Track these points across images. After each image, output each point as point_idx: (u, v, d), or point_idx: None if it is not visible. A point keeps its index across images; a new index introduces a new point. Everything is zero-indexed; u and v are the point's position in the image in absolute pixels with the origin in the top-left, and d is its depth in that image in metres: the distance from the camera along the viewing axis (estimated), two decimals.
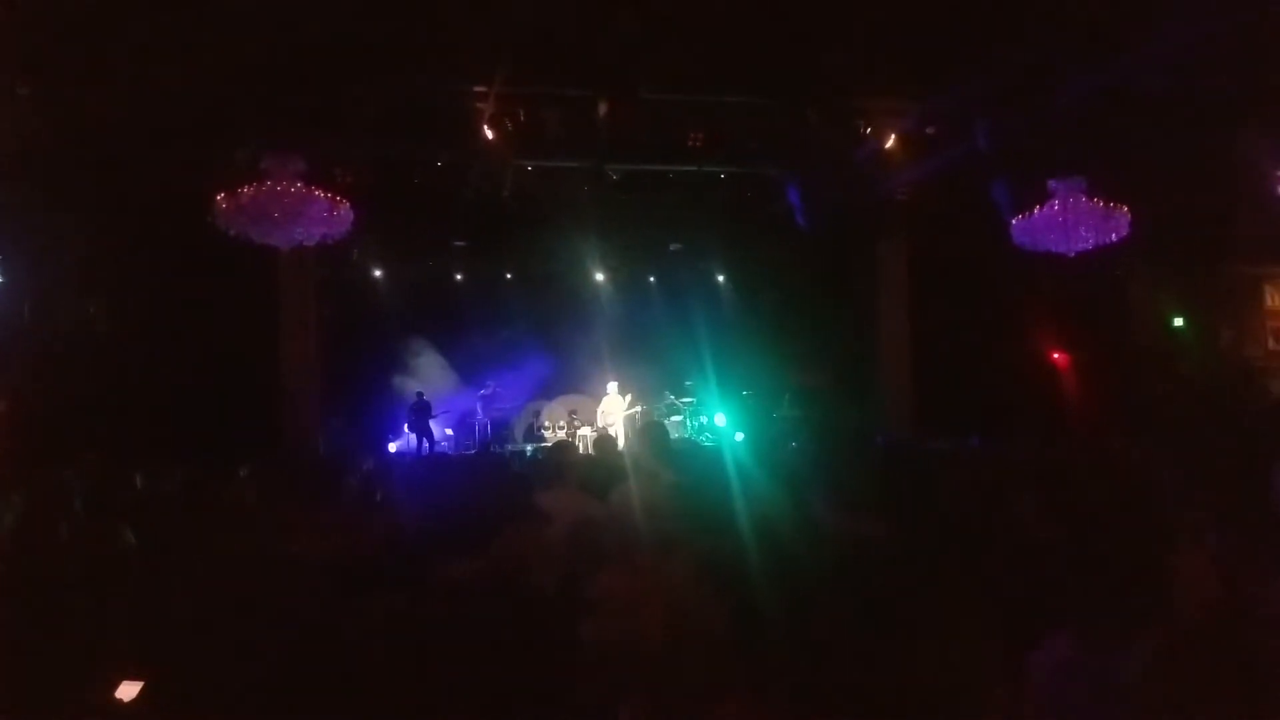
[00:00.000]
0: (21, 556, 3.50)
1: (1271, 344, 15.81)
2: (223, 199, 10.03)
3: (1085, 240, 11.08)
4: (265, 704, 2.45)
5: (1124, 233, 10.98)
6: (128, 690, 2.63)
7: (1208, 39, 8.33)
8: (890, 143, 11.24)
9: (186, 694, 2.55)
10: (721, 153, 11.90)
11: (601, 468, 5.02)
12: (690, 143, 11.27)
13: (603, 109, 10.43)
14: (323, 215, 10.45)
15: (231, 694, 2.48)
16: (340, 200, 10.51)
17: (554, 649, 2.70)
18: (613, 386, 14.95)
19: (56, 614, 3.08)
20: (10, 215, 11.03)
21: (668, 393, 15.42)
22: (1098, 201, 10.79)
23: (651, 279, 16.63)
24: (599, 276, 16.11)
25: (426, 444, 14.68)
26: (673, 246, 15.72)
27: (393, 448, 15.06)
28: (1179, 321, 14.20)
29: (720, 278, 16.59)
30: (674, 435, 14.53)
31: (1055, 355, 14.92)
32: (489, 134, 10.64)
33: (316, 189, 10.26)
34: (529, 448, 14.07)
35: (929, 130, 11.31)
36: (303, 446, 12.25)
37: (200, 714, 2.50)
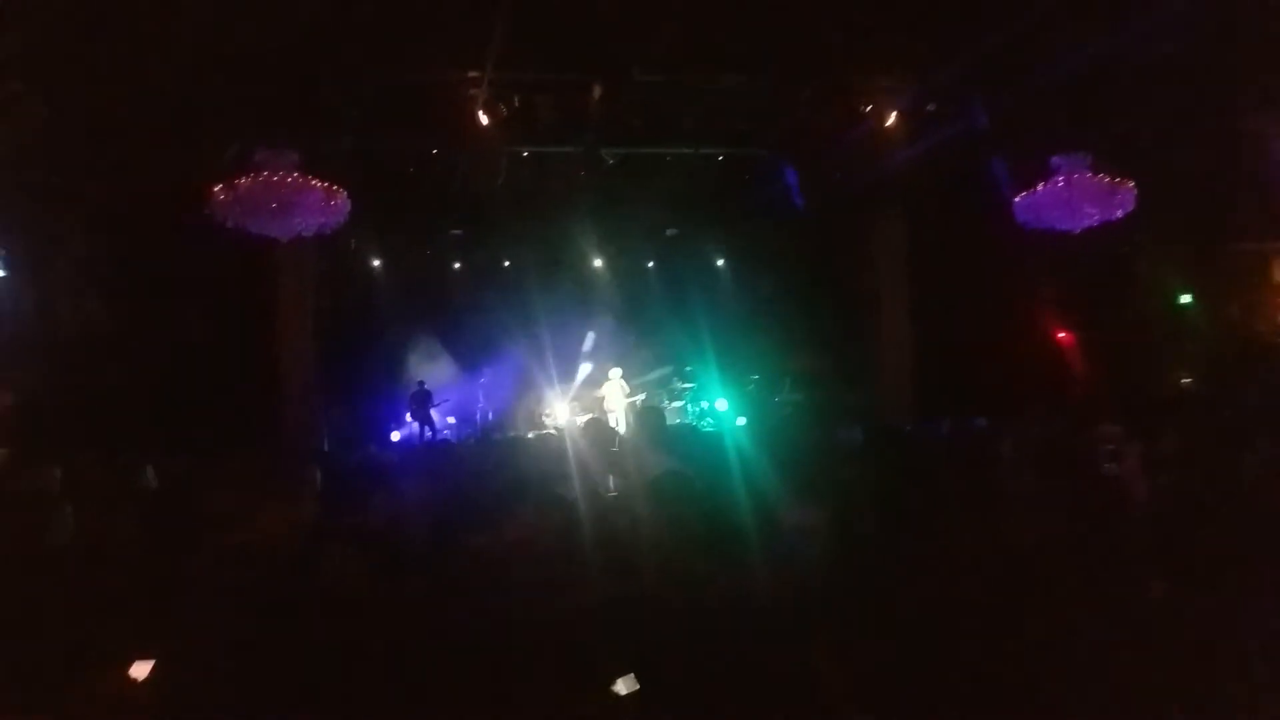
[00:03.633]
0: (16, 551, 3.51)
1: None
2: (219, 190, 9.95)
3: (1090, 217, 10.92)
4: (275, 683, 2.44)
5: (1129, 208, 10.82)
6: (140, 669, 2.60)
7: (1210, 6, 8.22)
8: (890, 121, 11.13)
9: (199, 678, 2.53)
10: (717, 135, 11.81)
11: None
12: (685, 125, 11.17)
13: (596, 93, 10.35)
14: (319, 205, 10.35)
15: (245, 676, 2.47)
16: (336, 190, 10.42)
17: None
18: (614, 373, 14.93)
19: (56, 606, 3.07)
20: (12, 211, 11.02)
21: (674, 378, 15.41)
22: (1103, 177, 10.66)
23: (650, 264, 16.56)
24: (597, 262, 16.04)
25: (429, 432, 14.71)
26: (670, 231, 15.63)
27: (395, 437, 15.08)
28: (1186, 298, 14.08)
29: (719, 261, 16.51)
30: (674, 421, 14.57)
31: (1060, 334, 14.85)
32: (483, 121, 10.56)
33: (312, 179, 10.19)
34: (530, 434, 14.07)
35: (929, 108, 11.21)
36: (304, 437, 12.24)
37: (212, 698, 2.49)
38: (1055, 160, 10.70)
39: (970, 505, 3.58)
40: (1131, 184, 10.66)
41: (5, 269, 11.72)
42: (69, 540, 3.79)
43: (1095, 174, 10.59)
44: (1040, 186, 10.82)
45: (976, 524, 3.31)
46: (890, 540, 2.63)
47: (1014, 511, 3.51)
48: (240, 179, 9.90)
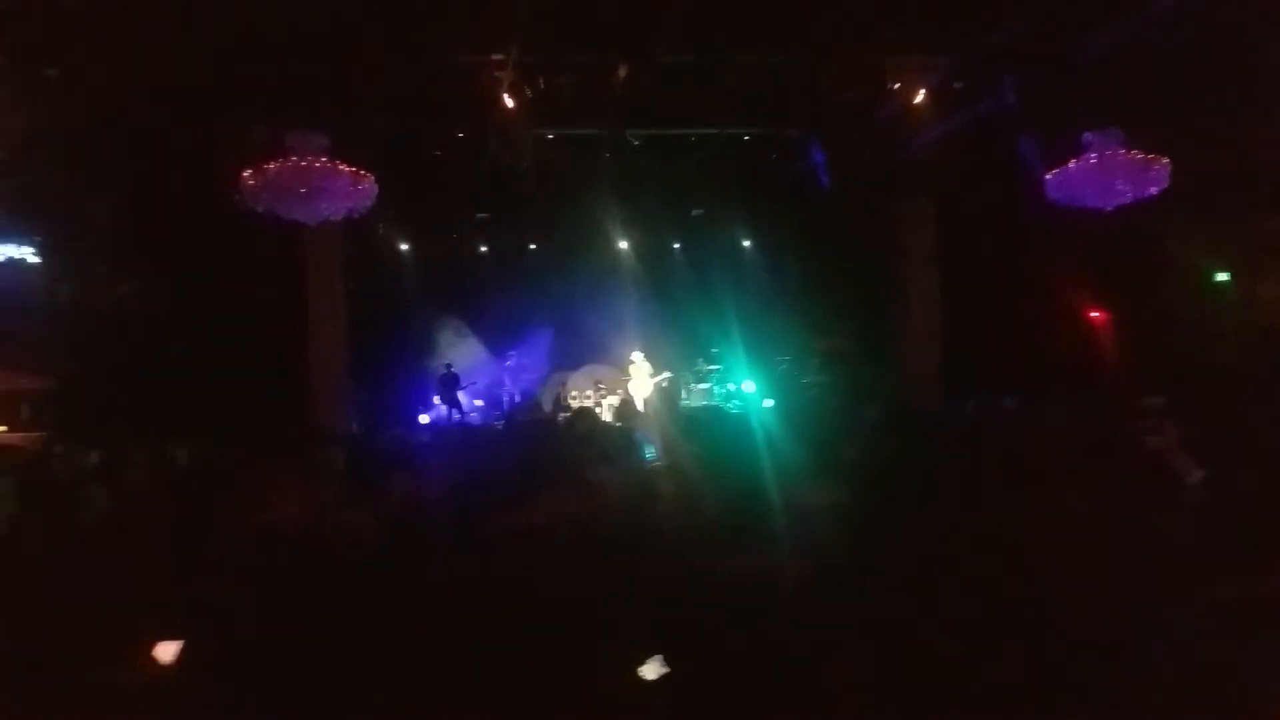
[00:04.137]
0: (38, 532, 3.57)
1: None
2: (249, 175, 10.06)
3: (1123, 194, 10.67)
4: (298, 665, 2.46)
5: (1163, 185, 10.56)
6: (166, 650, 2.62)
7: None
8: (918, 98, 10.98)
9: (223, 661, 2.55)
10: (743, 114, 11.72)
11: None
12: (710, 105, 11.09)
13: (621, 73, 10.29)
14: (347, 189, 10.44)
15: (268, 660, 2.49)
16: (364, 174, 10.49)
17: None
18: (638, 355, 14.93)
19: (77, 586, 3.11)
20: (45, 196, 11.21)
21: (700, 359, 15.40)
22: (1135, 153, 10.43)
23: (675, 245, 16.50)
24: (622, 244, 16.01)
25: (456, 414, 14.83)
26: (695, 211, 15.56)
27: (424, 419, 15.20)
28: (1222, 276, 13.79)
29: (745, 242, 16.41)
30: (701, 402, 14.57)
31: (1091, 314, 14.61)
32: (508, 103, 10.56)
33: (340, 163, 10.26)
34: (560, 417, 14.12)
35: (956, 85, 11.04)
36: (332, 420, 12.37)
37: (237, 680, 2.52)
38: (1087, 136, 10.47)
39: (999, 484, 3.53)
40: (1165, 160, 10.42)
41: (40, 255, 11.95)
42: (100, 521, 3.85)
43: (1128, 150, 10.38)
44: (1072, 163, 10.61)
45: (1007, 504, 3.27)
46: (911, 520, 2.61)
47: (1047, 489, 3.45)
48: (269, 164, 10.00)
